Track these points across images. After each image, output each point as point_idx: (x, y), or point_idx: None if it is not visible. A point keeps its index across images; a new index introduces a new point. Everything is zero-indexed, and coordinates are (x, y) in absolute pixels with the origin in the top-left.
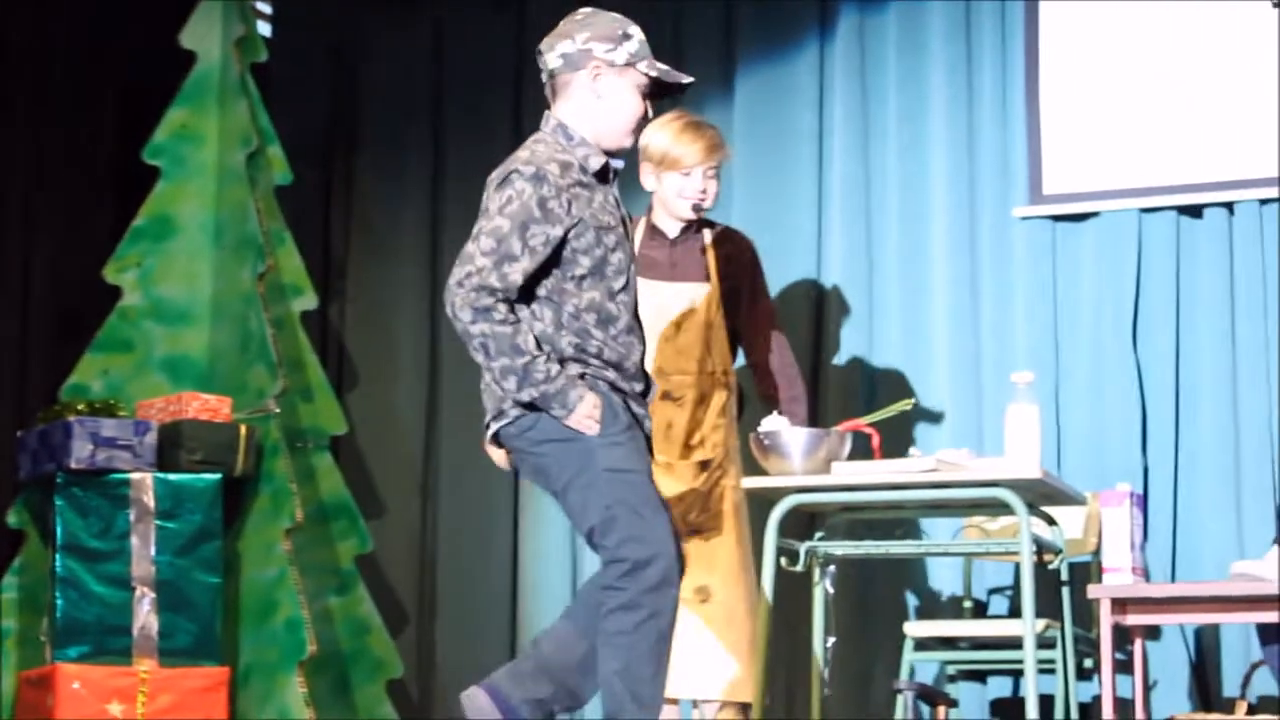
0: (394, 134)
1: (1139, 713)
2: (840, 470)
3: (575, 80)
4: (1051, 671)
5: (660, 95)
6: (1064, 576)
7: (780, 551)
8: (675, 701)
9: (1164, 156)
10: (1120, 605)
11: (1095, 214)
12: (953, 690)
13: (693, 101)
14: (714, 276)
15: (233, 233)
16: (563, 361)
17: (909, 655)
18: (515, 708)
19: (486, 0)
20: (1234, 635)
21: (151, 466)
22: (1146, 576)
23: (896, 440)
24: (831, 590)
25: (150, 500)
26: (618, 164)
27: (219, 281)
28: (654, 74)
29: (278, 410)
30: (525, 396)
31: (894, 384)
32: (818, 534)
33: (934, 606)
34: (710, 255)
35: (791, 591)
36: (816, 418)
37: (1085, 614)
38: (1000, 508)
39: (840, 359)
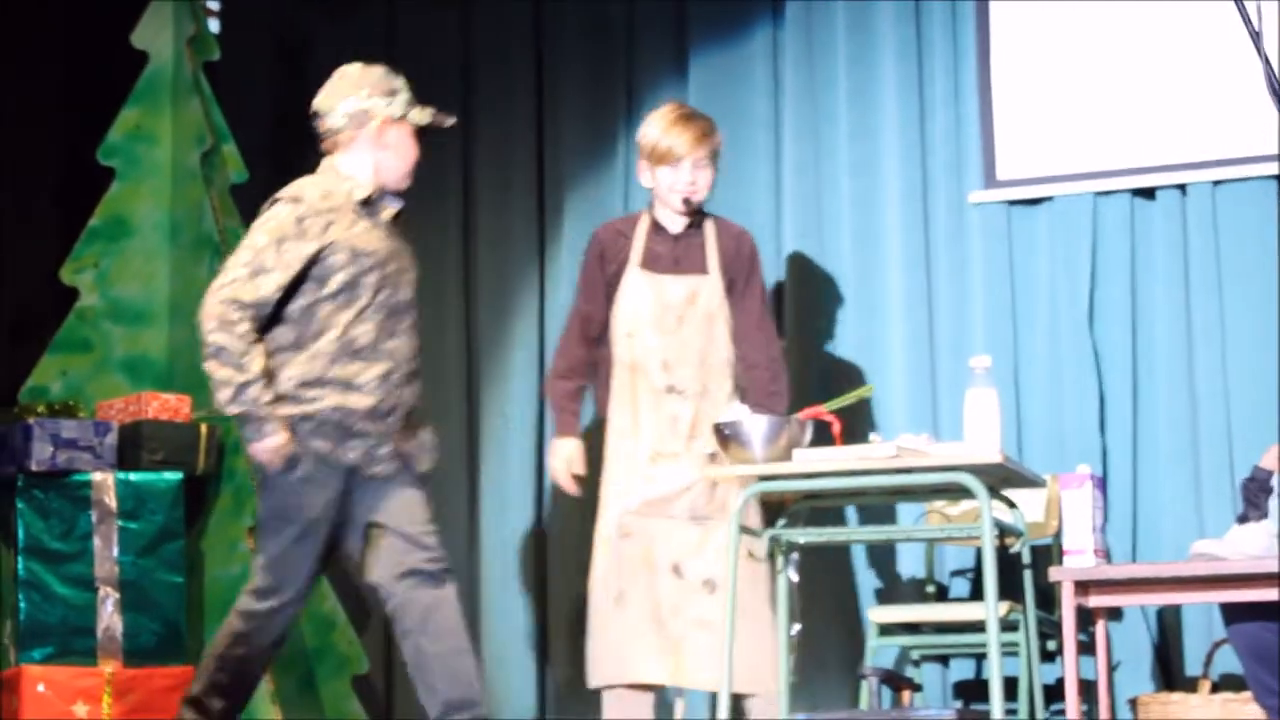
0: None
1: (1102, 694)
2: (802, 458)
3: (361, 135)
4: (1015, 654)
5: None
6: (1026, 560)
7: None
8: (650, 689)
9: (1117, 139)
10: (1082, 587)
11: (1050, 198)
12: (916, 675)
13: (647, 90)
14: (715, 269)
15: (189, 232)
16: (281, 398)
17: (873, 641)
18: None
19: None
20: (1196, 615)
21: (113, 467)
22: (1108, 558)
23: (856, 427)
24: (795, 578)
25: (112, 501)
26: (396, 204)
27: (176, 281)
28: (426, 122)
29: None
30: (231, 410)
31: (850, 371)
32: (780, 522)
33: (897, 591)
34: (712, 248)
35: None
36: None
37: (1047, 596)
38: (961, 492)
39: (796, 345)
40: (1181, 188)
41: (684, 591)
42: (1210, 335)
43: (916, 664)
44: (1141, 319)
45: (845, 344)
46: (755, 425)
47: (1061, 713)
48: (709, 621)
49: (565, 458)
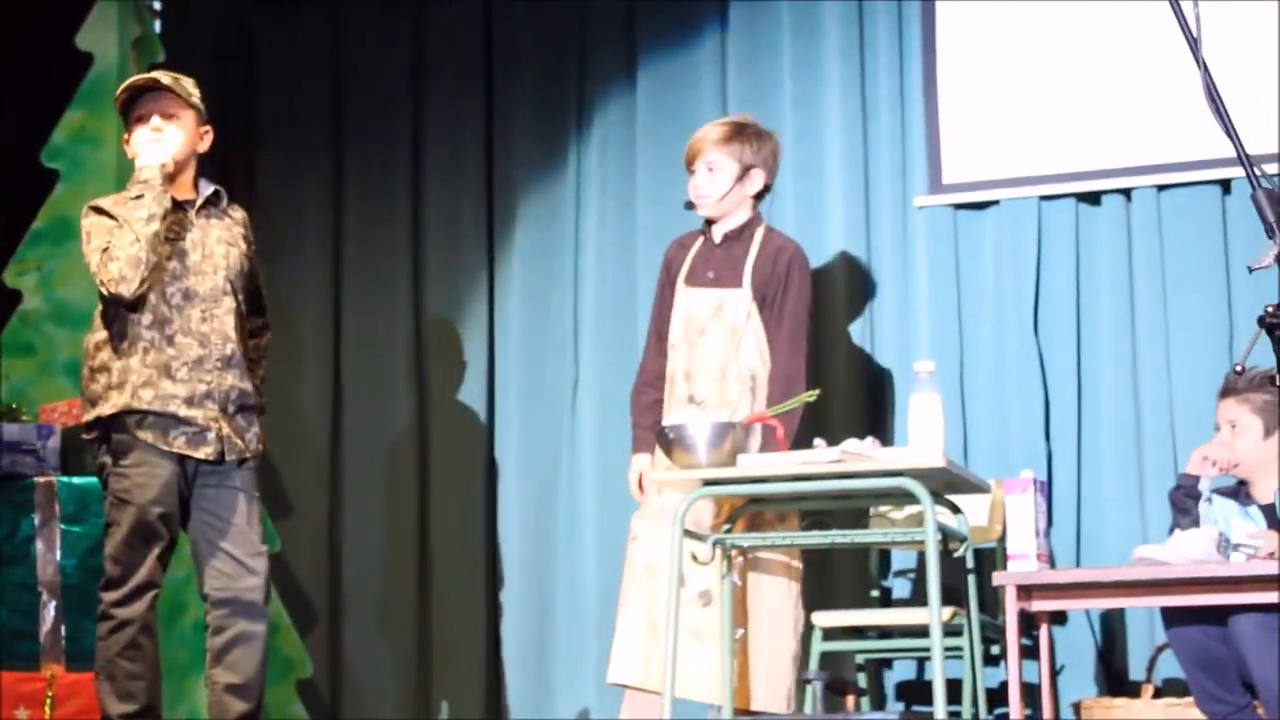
0: (293, 132)
1: (1046, 698)
2: (746, 462)
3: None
4: (958, 657)
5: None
6: (969, 564)
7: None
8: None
9: (1062, 144)
10: (1025, 591)
11: (995, 202)
12: (860, 677)
13: (597, 95)
14: (748, 282)
15: None
16: (115, 386)
17: (817, 645)
18: None
19: None
20: (1139, 619)
21: (55, 470)
22: (1051, 562)
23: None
24: (739, 582)
25: (55, 504)
26: (209, 189)
27: None
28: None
29: None
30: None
31: None
32: (724, 526)
33: (840, 594)
34: (750, 261)
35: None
36: None
37: (991, 600)
38: (906, 497)
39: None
40: (1126, 193)
41: (682, 601)
42: (1155, 340)
43: (861, 668)
44: (1086, 324)
45: None
46: (700, 429)
47: (1005, 716)
48: (701, 632)
49: (635, 474)
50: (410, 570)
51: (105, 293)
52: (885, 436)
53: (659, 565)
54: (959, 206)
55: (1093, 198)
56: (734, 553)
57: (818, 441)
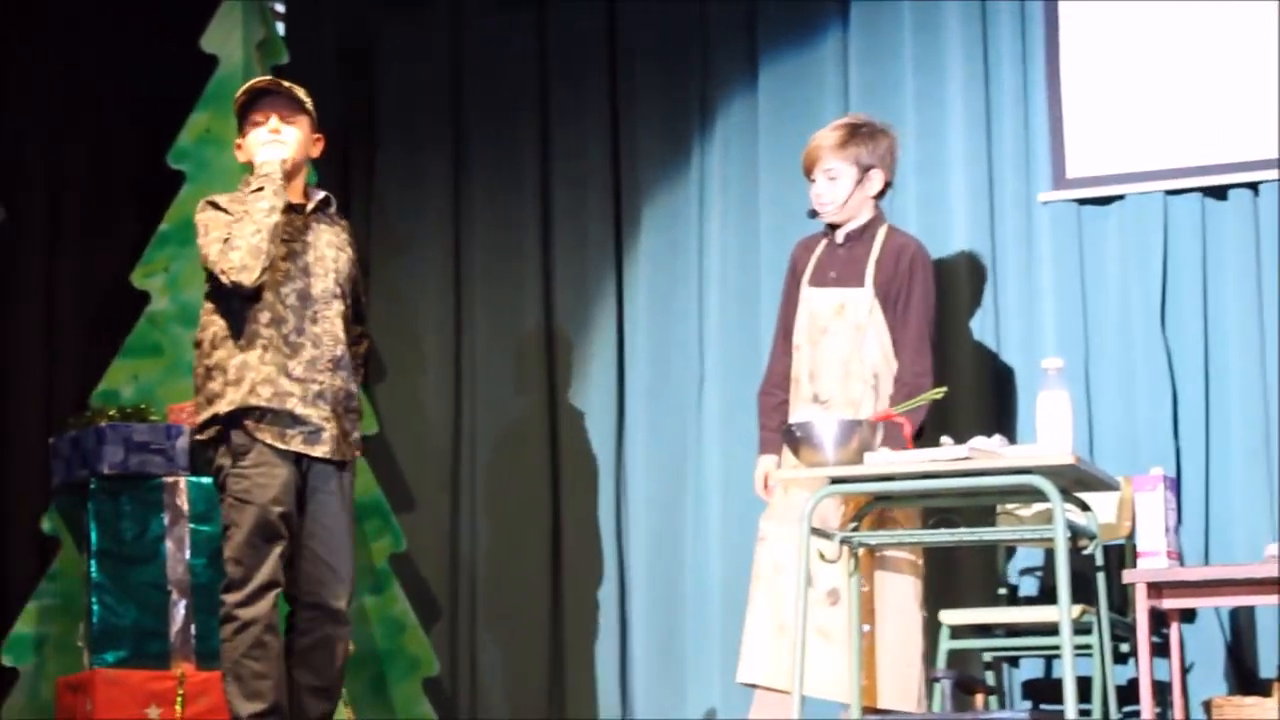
0: (413, 131)
1: (1176, 696)
2: (873, 460)
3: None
4: (1087, 656)
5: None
6: (1099, 562)
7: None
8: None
9: (1188, 138)
10: (1156, 589)
11: (1120, 197)
12: (988, 675)
13: (720, 96)
14: (870, 281)
15: None
16: (233, 382)
17: (945, 643)
18: None
19: None
20: (1269, 617)
21: (184, 470)
22: (1181, 560)
23: (928, 430)
24: (866, 588)
25: (184, 504)
26: (319, 194)
27: None
28: None
29: None
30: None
31: None
32: (851, 524)
33: (966, 592)
34: (873, 260)
35: None
36: None
37: (1121, 598)
38: (1034, 494)
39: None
40: (1254, 186)
41: (810, 600)
42: None
43: (988, 665)
44: (1214, 319)
45: None
46: (827, 427)
47: (1136, 714)
48: (829, 631)
49: (761, 475)
50: (540, 569)
51: (226, 281)
52: (1010, 434)
53: (786, 565)
54: (1083, 202)
55: (1219, 192)
56: (861, 551)
57: (944, 440)
